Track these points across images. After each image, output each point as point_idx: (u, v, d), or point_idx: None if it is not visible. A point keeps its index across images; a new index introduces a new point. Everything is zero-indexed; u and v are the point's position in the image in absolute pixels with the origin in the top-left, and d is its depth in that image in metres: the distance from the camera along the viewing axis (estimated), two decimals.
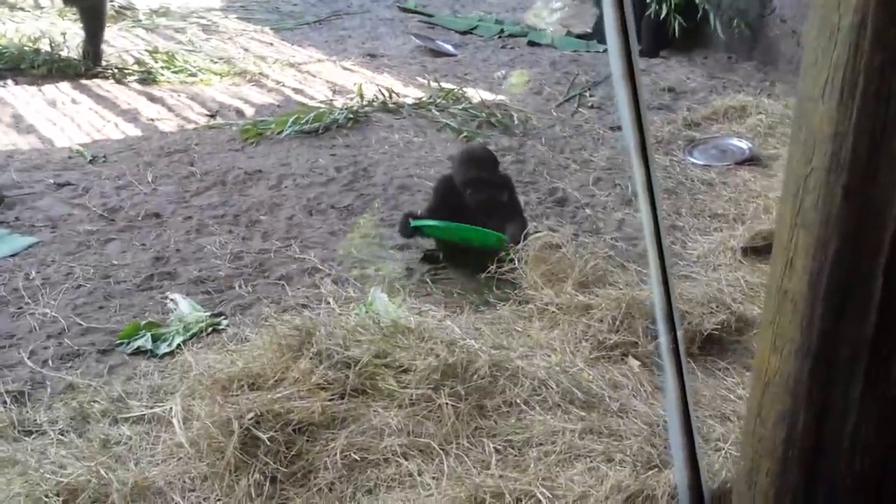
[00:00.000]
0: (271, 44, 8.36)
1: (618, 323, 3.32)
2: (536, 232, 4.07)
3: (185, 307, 3.64)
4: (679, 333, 2.16)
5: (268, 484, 2.54)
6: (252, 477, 2.54)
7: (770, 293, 1.79)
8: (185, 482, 2.57)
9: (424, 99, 6.49)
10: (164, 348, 3.38)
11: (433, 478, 2.52)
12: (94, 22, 7.04)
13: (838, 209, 1.58)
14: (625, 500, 2.34)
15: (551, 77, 7.24)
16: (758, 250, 4.09)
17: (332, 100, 6.59)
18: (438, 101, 6.40)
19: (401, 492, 2.50)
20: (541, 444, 2.65)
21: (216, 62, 7.52)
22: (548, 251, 3.77)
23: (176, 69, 7.21)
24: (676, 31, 7.63)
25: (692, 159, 5.47)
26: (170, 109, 6.42)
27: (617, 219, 4.64)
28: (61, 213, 4.59)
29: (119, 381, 3.14)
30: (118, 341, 3.44)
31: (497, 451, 2.64)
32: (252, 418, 2.65)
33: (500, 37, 8.64)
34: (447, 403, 2.75)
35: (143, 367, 3.25)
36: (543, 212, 4.71)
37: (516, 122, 6.06)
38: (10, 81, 6.83)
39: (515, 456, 2.62)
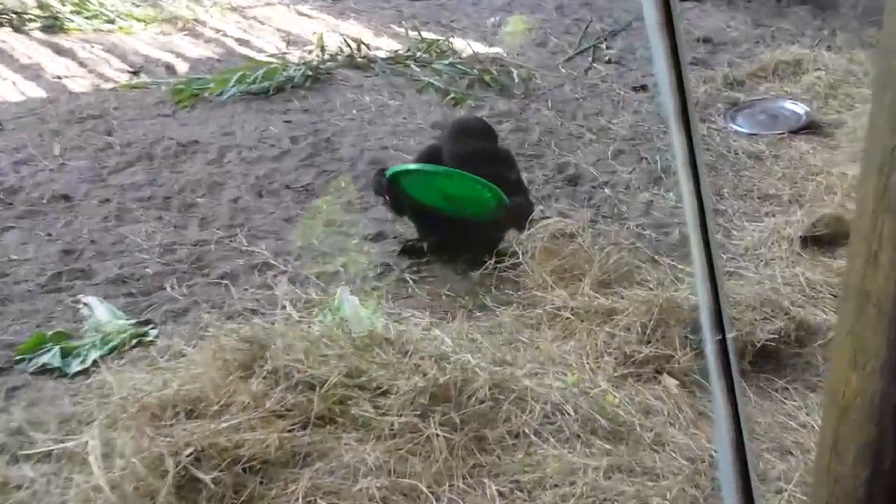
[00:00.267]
0: None
1: (649, 331, 3.31)
2: (544, 218, 4.08)
3: (102, 313, 3.60)
4: (729, 343, 2.15)
5: None
6: None
7: (847, 295, 1.76)
8: None
9: (401, 52, 6.48)
10: (76, 366, 3.35)
11: None
12: None
13: None
14: None
15: (558, 25, 7.24)
16: (820, 240, 4.10)
17: (285, 53, 6.57)
18: (419, 54, 6.39)
19: None
20: (556, 486, 2.63)
21: (139, 5, 7.47)
22: (559, 242, 3.77)
23: (89, 14, 7.15)
24: None
25: (736, 127, 5.48)
26: (81, 65, 6.36)
27: (643, 201, 4.64)
28: None
29: (19, 407, 3.10)
30: (18, 357, 3.40)
31: (501, 494, 2.62)
32: (191, 454, 2.62)
33: None
34: (438, 434, 2.73)
35: (51, 390, 3.21)
36: (552, 193, 4.70)
37: (516, 80, 6.05)
38: None
39: (525, 501, 2.60)
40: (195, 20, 7.29)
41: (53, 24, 7.03)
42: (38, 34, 6.93)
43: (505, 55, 6.48)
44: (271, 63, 6.20)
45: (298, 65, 6.17)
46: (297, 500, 2.59)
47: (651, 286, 3.61)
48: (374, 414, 2.82)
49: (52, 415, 3.04)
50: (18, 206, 4.52)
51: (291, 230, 4.34)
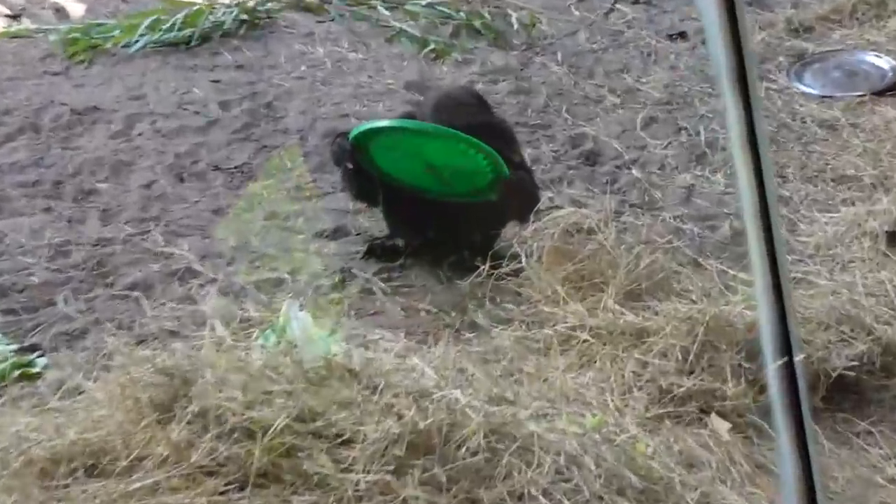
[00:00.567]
0: None
1: (691, 358, 3.31)
2: (554, 208, 4.09)
3: None
4: (798, 372, 2.15)
5: None
6: None
7: None
8: None
9: None
10: None
11: None
12: None
13: None
14: None
15: None
16: None
17: None
18: None
19: None
20: None
21: None
22: (573, 240, 3.76)
23: None
24: None
25: (802, 87, 5.47)
26: None
27: (683, 185, 4.63)
28: None
29: None
30: None
31: None
32: None
33: None
34: (417, 497, 2.71)
35: None
36: (563, 175, 4.67)
37: (515, 26, 6.01)
38: None
39: None
40: None
41: None
42: None
43: None
44: (194, 4, 6.12)
45: (230, 6, 6.11)
46: None
47: (694, 298, 3.60)
48: (333, 470, 2.80)
49: None
50: None
51: (222, 225, 4.33)
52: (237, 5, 6.13)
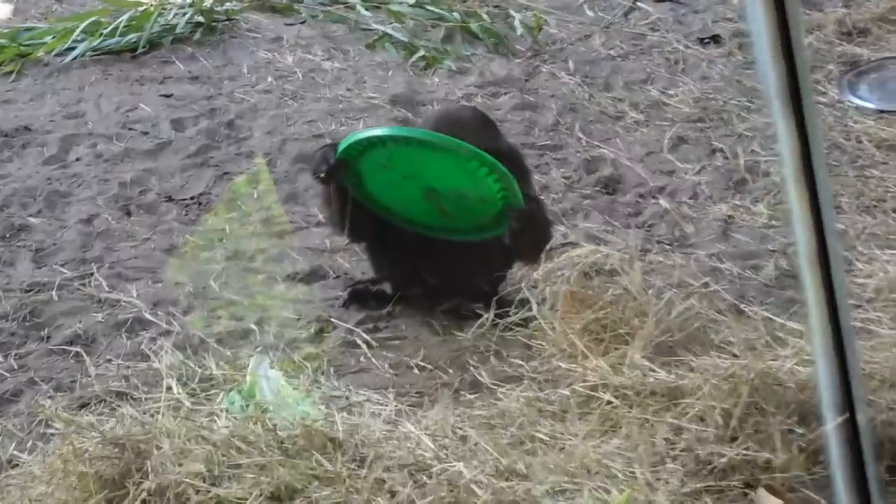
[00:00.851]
0: None
1: (734, 423, 3.28)
2: (568, 244, 4.11)
3: None
4: (864, 437, 2.14)
5: None
6: None
7: None
8: None
9: None
10: None
11: None
12: None
13: None
14: None
15: None
16: None
17: None
18: None
19: None
20: None
21: None
22: (593, 283, 3.75)
23: None
24: None
25: (857, 100, 5.49)
26: None
27: (719, 217, 4.63)
28: None
29: None
30: None
31: None
32: None
33: None
34: None
35: None
36: (578, 205, 4.68)
37: (519, 29, 6.04)
38: None
39: None
40: None
41: None
42: None
43: None
44: (140, 4, 6.13)
45: (183, 7, 6.13)
46: None
47: (735, 352, 3.58)
48: None
49: None
50: None
51: (176, 267, 4.33)
52: (191, 5, 6.14)
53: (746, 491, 3.21)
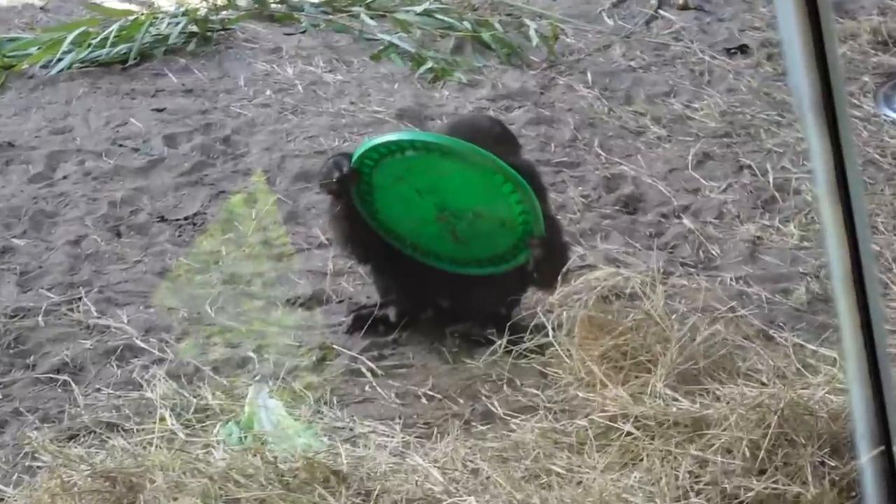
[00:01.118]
0: None
1: (762, 455, 3.27)
2: (586, 267, 4.08)
3: None
4: None
5: None
6: None
7: None
8: None
9: None
10: None
11: None
12: None
13: None
14: None
15: None
16: None
17: None
18: None
19: None
20: None
21: None
22: (613, 308, 3.77)
23: None
24: None
25: (892, 113, 5.52)
26: None
27: (747, 238, 4.64)
28: None
29: None
30: None
31: None
32: None
33: None
34: None
35: None
36: (597, 225, 4.69)
37: (534, 39, 6.06)
38: None
39: None
40: None
41: None
42: None
43: None
44: (131, 13, 6.17)
45: (176, 15, 6.15)
46: None
47: (764, 380, 3.61)
48: None
49: None
50: None
51: (169, 291, 4.34)
52: (184, 14, 6.16)
53: None
